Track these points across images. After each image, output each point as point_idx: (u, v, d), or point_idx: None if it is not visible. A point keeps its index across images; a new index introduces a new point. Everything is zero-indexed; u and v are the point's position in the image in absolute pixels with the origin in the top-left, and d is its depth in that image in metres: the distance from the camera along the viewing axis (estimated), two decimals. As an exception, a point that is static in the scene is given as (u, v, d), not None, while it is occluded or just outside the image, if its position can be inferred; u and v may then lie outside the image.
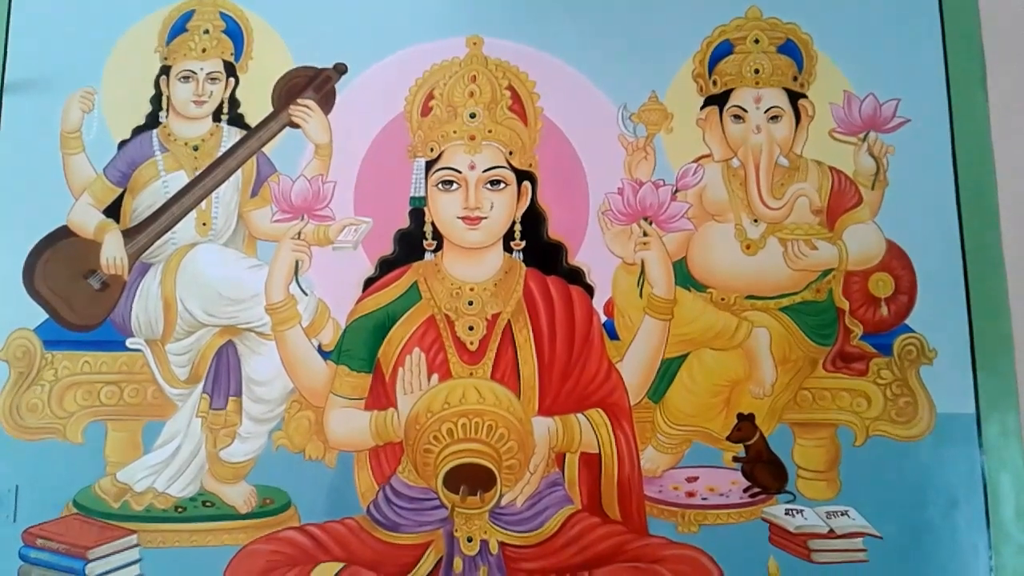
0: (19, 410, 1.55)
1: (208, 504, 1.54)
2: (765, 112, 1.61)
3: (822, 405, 1.55)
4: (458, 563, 1.47)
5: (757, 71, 1.63)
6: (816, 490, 1.52)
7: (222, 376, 1.58)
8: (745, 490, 1.52)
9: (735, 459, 1.53)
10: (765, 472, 1.52)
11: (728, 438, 1.54)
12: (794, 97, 1.63)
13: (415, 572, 1.47)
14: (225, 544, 1.51)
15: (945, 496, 1.50)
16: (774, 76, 1.63)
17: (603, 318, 1.56)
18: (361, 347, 1.54)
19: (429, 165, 1.56)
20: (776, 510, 1.50)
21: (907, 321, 1.56)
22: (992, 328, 1.55)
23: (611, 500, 1.49)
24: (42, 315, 1.59)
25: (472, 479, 1.44)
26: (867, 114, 1.62)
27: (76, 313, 1.59)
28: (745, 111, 1.62)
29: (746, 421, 1.54)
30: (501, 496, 1.46)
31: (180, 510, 1.54)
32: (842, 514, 1.49)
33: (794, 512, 1.49)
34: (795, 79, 1.63)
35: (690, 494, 1.52)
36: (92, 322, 1.59)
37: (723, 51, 1.65)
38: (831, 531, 1.47)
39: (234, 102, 1.66)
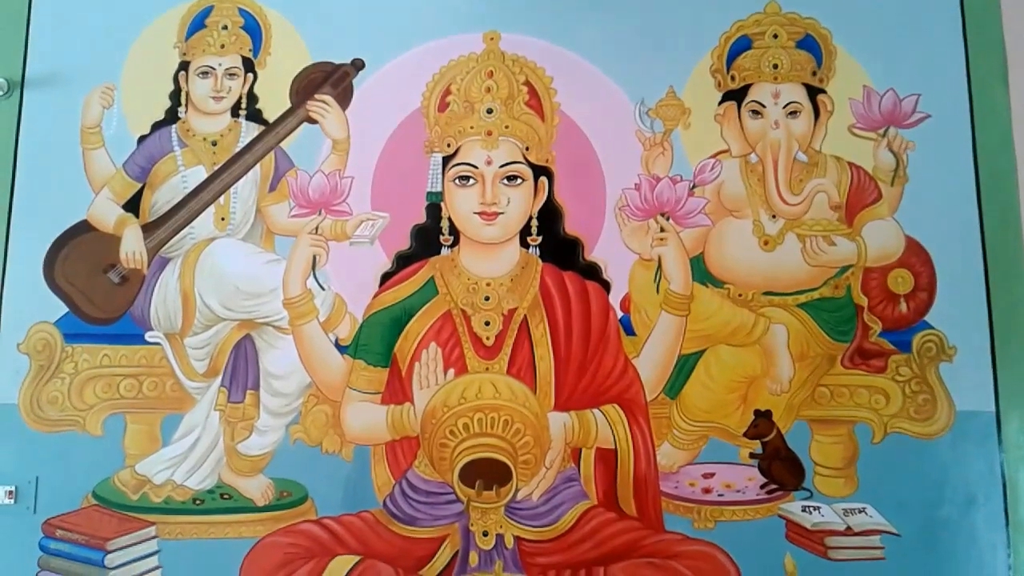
0: (39, 402, 1.57)
1: (226, 497, 1.55)
2: (784, 107, 1.61)
3: (840, 402, 1.54)
4: (474, 557, 1.47)
5: (776, 66, 1.62)
6: (833, 487, 1.51)
7: (240, 370, 1.59)
8: (762, 486, 1.52)
9: (752, 455, 1.53)
10: (782, 469, 1.52)
11: (745, 434, 1.53)
12: (813, 92, 1.62)
13: (431, 566, 1.47)
14: (243, 536, 1.52)
15: (963, 494, 1.49)
16: (793, 71, 1.62)
17: (620, 314, 1.56)
18: (378, 342, 1.54)
19: (446, 160, 1.57)
20: (793, 507, 1.50)
21: (926, 318, 1.55)
22: (1013, 325, 1.53)
23: (627, 496, 1.49)
24: (63, 308, 1.60)
25: (488, 474, 1.44)
26: (887, 109, 1.61)
27: (96, 307, 1.60)
28: (763, 106, 1.61)
29: (763, 418, 1.53)
30: (517, 491, 1.47)
31: (198, 502, 1.55)
32: (859, 511, 1.49)
33: (811, 509, 1.49)
34: (814, 74, 1.62)
35: (706, 490, 1.52)
36: (112, 316, 1.60)
37: (741, 46, 1.64)
38: (848, 528, 1.47)
39: (252, 98, 1.67)
